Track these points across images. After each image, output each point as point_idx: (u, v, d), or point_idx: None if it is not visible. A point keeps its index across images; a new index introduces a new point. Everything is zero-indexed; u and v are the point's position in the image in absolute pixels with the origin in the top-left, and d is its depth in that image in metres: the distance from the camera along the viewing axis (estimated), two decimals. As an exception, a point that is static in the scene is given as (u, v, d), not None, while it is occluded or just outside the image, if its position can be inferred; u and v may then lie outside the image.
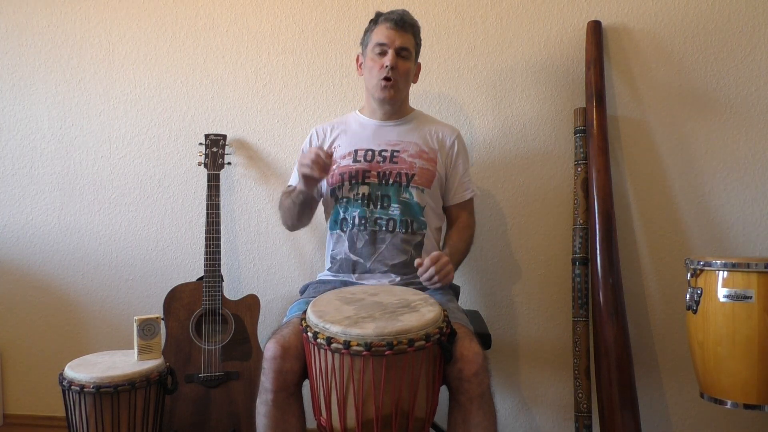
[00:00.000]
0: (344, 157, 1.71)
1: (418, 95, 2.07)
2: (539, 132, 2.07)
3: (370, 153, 1.70)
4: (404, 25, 1.65)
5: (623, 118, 2.03)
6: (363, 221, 1.65)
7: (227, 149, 2.12)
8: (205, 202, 2.06)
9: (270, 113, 2.19)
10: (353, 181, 1.67)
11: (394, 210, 1.65)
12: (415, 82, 1.77)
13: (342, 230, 1.69)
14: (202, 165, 2.09)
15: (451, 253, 1.63)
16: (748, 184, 1.97)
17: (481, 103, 2.09)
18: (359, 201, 1.66)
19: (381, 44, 1.65)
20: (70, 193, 2.29)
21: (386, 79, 1.64)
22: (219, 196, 2.06)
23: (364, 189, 1.67)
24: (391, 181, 1.66)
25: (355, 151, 1.70)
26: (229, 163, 2.15)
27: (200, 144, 2.12)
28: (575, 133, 2.01)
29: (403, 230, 1.65)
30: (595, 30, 1.99)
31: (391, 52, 1.63)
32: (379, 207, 1.66)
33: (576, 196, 1.99)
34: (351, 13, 2.14)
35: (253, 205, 2.21)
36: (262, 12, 2.19)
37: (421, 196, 1.67)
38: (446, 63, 2.10)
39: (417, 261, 1.53)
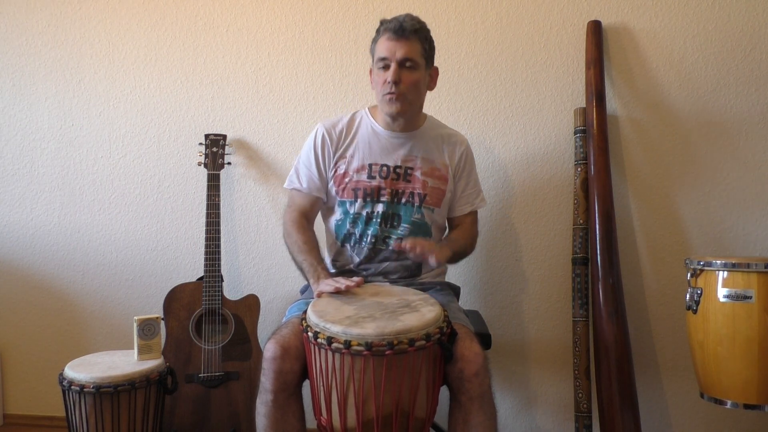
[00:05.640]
0: (358, 171, 1.63)
1: (418, 95, 2.07)
2: (539, 132, 2.07)
3: (385, 169, 1.63)
4: (404, 32, 1.50)
5: (623, 118, 2.03)
6: (373, 240, 1.62)
7: (227, 149, 2.12)
8: (205, 202, 2.05)
9: (270, 113, 2.19)
10: (368, 199, 1.62)
11: (404, 230, 1.62)
12: (431, 89, 1.64)
13: (348, 244, 1.66)
14: (202, 165, 2.09)
15: (448, 240, 1.63)
16: (748, 184, 1.97)
17: (481, 103, 2.09)
18: (374, 219, 1.62)
19: (382, 58, 1.53)
20: (70, 193, 2.29)
21: (390, 93, 1.53)
22: (219, 196, 2.06)
23: (378, 207, 1.62)
24: (403, 200, 1.62)
25: (370, 166, 1.63)
26: (229, 163, 2.15)
27: (200, 144, 2.12)
28: (575, 133, 2.01)
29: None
30: (595, 30, 1.99)
31: (393, 66, 1.51)
32: (389, 226, 1.63)
33: (576, 196, 1.99)
34: (351, 13, 2.14)
35: (253, 205, 2.21)
36: (262, 12, 2.19)
37: (431, 215, 1.65)
38: (446, 63, 2.10)
39: (394, 243, 1.53)
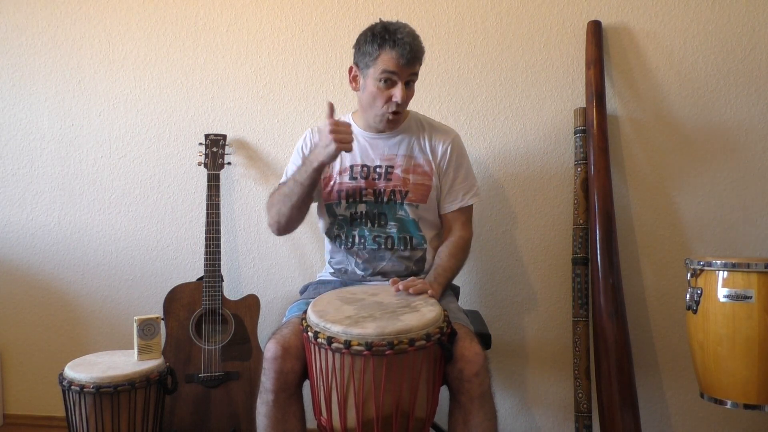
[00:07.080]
0: (341, 173, 1.65)
1: (418, 95, 2.06)
2: (539, 132, 2.07)
3: (365, 169, 1.64)
4: (416, 59, 1.52)
5: (623, 118, 2.03)
6: (362, 240, 1.63)
7: (227, 149, 2.12)
8: (205, 202, 2.06)
9: (270, 113, 2.19)
10: (350, 200, 1.64)
11: (391, 228, 1.63)
12: None
13: (339, 246, 1.67)
14: (202, 165, 2.09)
15: (438, 274, 1.56)
16: (748, 184, 1.97)
17: (481, 103, 2.09)
18: (358, 220, 1.63)
19: (391, 72, 1.50)
20: (70, 193, 2.29)
21: (394, 113, 1.55)
22: (219, 196, 2.06)
23: (361, 208, 1.63)
24: (386, 199, 1.63)
25: (351, 167, 1.64)
26: (229, 163, 2.15)
27: (200, 144, 2.12)
28: (575, 133, 2.01)
29: (402, 247, 1.63)
30: (595, 30, 1.99)
31: (400, 86, 1.51)
32: (376, 225, 1.63)
33: (576, 196, 1.99)
34: (351, 13, 2.14)
35: (253, 205, 2.21)
36: (262, 12, 2.19)
37: (416, 211, 1.63)
38: (446, 63, 2.10)
39: (392, 280, 1.46)
